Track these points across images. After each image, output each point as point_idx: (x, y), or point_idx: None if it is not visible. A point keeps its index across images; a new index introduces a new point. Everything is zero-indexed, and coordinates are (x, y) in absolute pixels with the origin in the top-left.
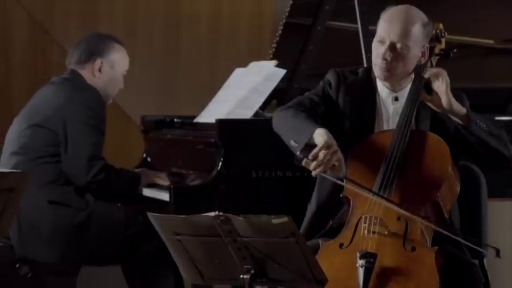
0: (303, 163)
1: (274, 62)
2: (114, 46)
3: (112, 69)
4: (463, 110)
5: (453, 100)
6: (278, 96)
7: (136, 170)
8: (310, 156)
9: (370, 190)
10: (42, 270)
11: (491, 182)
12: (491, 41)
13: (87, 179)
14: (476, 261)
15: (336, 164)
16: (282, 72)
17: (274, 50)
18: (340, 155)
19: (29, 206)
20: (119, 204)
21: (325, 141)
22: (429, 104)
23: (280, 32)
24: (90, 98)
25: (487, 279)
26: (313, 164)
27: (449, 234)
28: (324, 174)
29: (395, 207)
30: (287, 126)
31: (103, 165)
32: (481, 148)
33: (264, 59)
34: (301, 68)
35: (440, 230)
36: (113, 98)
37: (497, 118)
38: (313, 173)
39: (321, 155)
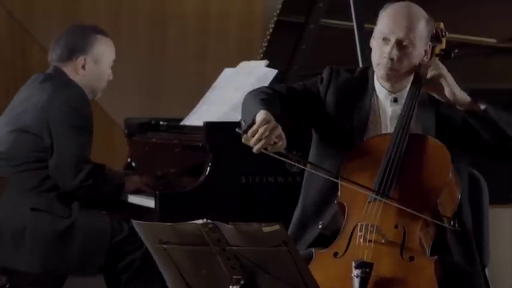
0: (243, 139)
1: (265, 62)
2: (96, 39)
3: (97, 64)
4: (467, 98)
5: (456, 88)
6: None
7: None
8: (249, 133)
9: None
10: (22, 282)
11: (492, 188)
12: (493, 40)
13: (75, 183)
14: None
15: (276, 140)
16: (273, 72)
17: (265, 49)
18: (280, 131)
19: (10, 213)
20: (104, 212)
21: (263, 118)
22: (433, 94)
23: (271, 30)
24: (73, 97)
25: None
26: (253, 139)
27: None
28: (265, 151)
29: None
30: (244, 105)
31: (90, 170)
32: (492, 136)
33: (255, 58)
34: (294, 68)
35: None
36: (95, 100)
37: None
38: (254, 149)
39: (260, 130)
